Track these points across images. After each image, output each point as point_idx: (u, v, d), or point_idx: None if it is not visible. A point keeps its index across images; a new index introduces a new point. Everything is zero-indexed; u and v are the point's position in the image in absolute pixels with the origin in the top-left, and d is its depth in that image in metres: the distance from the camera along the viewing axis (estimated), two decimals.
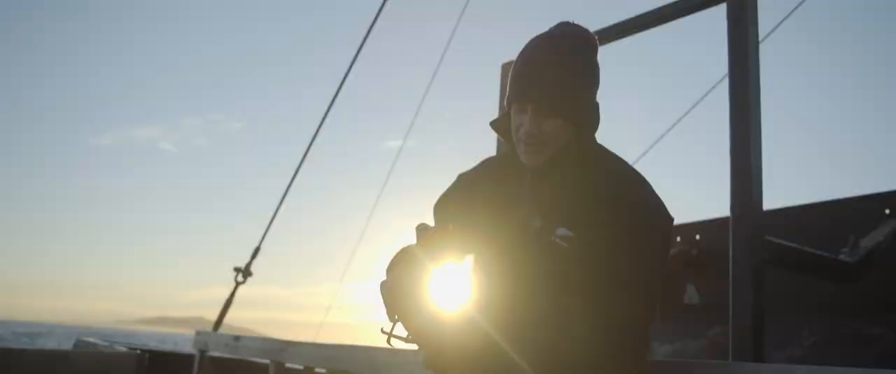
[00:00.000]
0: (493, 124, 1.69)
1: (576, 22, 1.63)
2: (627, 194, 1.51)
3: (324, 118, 5.94)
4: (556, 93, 1.52)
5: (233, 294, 6.35)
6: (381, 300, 1.48)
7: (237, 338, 3.44)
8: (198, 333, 3.90)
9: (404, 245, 1.52)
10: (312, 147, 5.99)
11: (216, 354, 4.01)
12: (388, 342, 1.48)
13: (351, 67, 5.84)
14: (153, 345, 7.01)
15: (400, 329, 1.47)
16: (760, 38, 2.30)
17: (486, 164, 1.81)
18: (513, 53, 1.66)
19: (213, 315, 5.99)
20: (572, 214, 1.51)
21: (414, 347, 1.46)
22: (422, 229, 1.53)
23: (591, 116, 1.60)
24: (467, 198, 1.75)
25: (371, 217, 6.85)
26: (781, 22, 4.10)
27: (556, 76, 1.52)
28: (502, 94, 2.71)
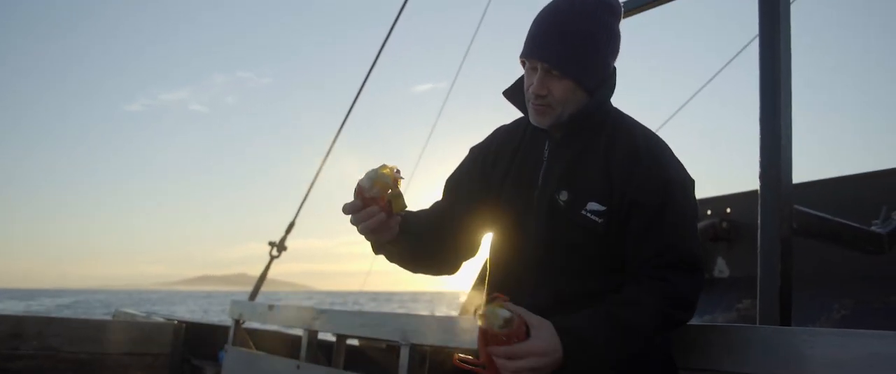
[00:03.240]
0: (506, 93, 1.63)
1: None
2: (655, 162, 1.49)
3: (365, 80, 5.96)
4: (568, 56, 1.48)
5: (267, 268, 6.48)
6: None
7: (271, 307, 3.51)
8: (233, 303, 3.98)
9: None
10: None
11: (253, 325, 4.08)
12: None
13: (394, 24, 5.80)
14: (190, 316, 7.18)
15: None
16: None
17: (514, 124, 1.73)
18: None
19: (254, 272, 6.39)
20: (601, 186, 1.49)
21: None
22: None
23: (604, 83, 1.55)
24: (491, 160, 1.69)
25: (422, 156, 6.88)
26: None
27: (571, 39, 1.48)
28: None
